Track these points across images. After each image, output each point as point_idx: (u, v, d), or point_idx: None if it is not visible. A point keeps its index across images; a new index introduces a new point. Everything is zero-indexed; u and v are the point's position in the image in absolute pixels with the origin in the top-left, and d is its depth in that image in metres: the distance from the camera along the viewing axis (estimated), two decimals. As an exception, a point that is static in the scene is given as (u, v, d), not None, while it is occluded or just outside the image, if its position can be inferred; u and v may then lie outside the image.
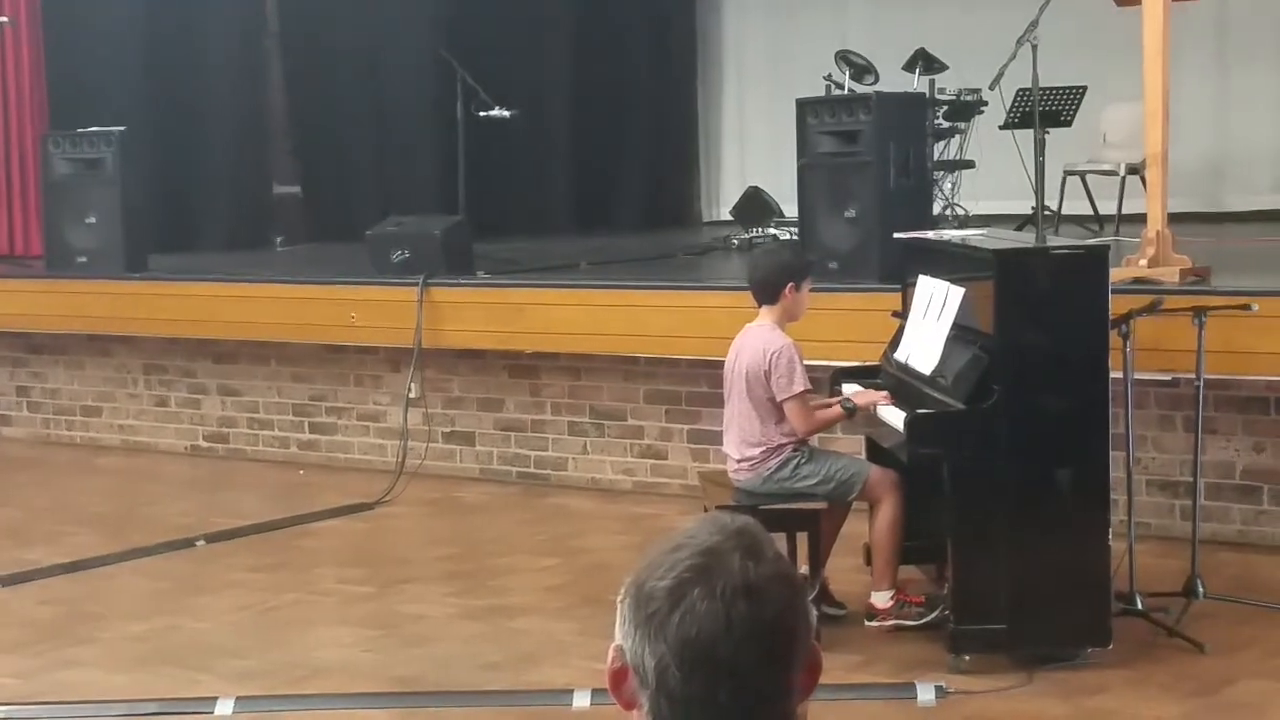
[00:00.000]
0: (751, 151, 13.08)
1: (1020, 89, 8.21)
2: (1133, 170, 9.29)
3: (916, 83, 10.14)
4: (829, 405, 6.19)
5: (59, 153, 10.71)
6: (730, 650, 1.67)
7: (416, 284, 9.01)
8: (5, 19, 11.72)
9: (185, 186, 12.11)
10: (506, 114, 10.21)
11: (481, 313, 8.97)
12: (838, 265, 7.94)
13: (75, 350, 10.69)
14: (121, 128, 10.57)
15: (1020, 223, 9.07)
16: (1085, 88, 9.81)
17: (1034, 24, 6.97)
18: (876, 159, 8.27)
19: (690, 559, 1.71)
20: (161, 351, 10.34)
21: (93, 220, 10.46)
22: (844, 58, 10.53)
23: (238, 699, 5.52)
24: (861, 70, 10.43)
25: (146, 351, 10.40)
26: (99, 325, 10.37)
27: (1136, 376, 6.12)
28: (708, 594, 1.68)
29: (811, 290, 6.24)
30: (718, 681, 1.67)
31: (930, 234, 7.31)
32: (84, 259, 10.46)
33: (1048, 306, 5.61)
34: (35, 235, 11.61)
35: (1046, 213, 7.94)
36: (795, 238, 8.97)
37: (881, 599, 6.05)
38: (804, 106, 8.73)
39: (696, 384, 8.20)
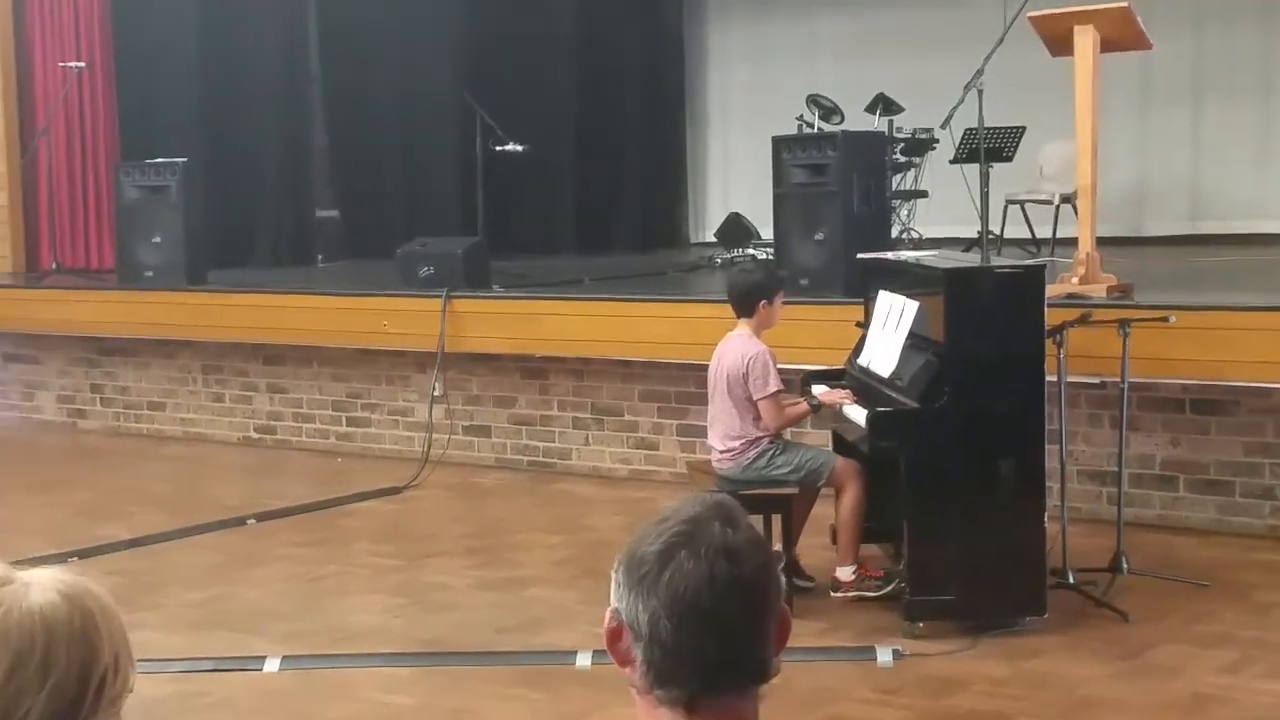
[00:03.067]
0: (733, 181, 13.06)
1: (968, 128, 8.20)
2: (1066, 199, 9.30)
3: (877, 123, 10.15)
4: (799, 403, 6.21)
5: (129, 180, 10.71)
6: (713, 603, 1.69)
7: (440, 296, 9.01)
8: (82, 64, 11.77)
9: (239, 210, 12.08)
10: (519, 148, 10.20)
11: (497, 321, 8.97)
12: (808, 281, 7.95)
13: (142, 353, 10.68)
14: (184, 159, 10.58)
15: (967, 245, 9.07)
16: (1024, 127, 9.81)
17: (980, 71, 6.98)
18: (842, 189, 8.29)
19: (676, 527, 1.73)
20: (218, 354, 10.34)
21: (158, 239, 10.46)
22: (814, 101, 10.54)
23: (283, 658, 5.53)
24: (829, 112, 10.44)
25: (205, 354, 10.40)
26: (163, 331, 10.37)
27: (1069, 380, 6.11)
28: (693, 555, 1.70)
29: (784, 303, 6.24)
30: (703, 630, 1.69)
31: (889, 254, 7.32)
32: (150, 273, 10.47)
33: (991, 318, 5.60)
34: (108, 252, 11.62)
35: (990, 237, 7.92)
36: (771, 257, 8.97)
37: (845, 573, 6.05)
38: (779, 143, 8.76)
39: (684, 384, 8.19)
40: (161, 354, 10.59)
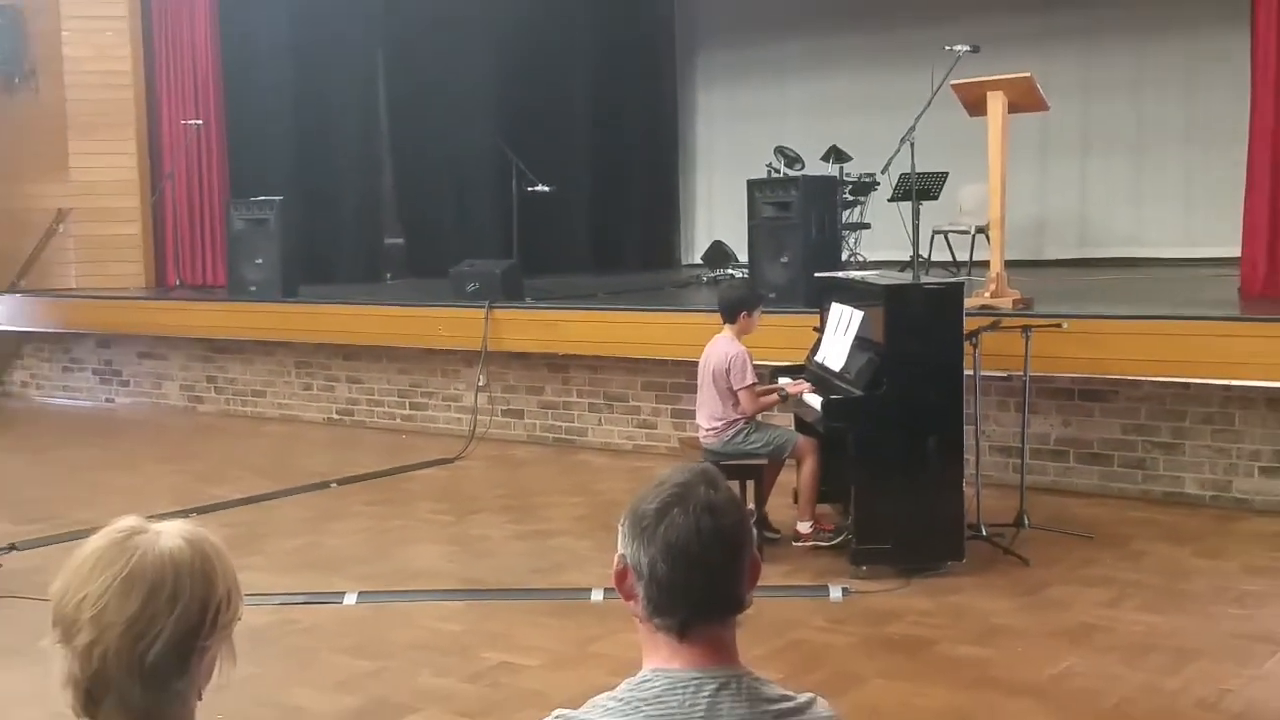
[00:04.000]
0: (716, 215, 13.08)
1: (902, 173, 8.22)
2: (980, 230, 9.31)
3: (830, 169, 10.15)
4: (769, 392, 6.22)
5: (237, 214, 10.74)
6: (699, 549, 1.69)
7: (484, 307, 9.04)
8: (200, 121, 11.80)
9: (323, 238, 12.09)
10: (546, 189, 10.21)
11: (528, 327, 8.98)
12: (775, 295, 7.95)
13: (247, 351, 10.70)
14: (280, 197, 10.61)
15: (902, 266, 9.07)
16: (948, 173, 9.83)
17: (912, 128, 7.00)
18: (802, 222, 8.33)
19: (670, 489, 1.73)
20: (307, 352, 10.36)
21: (260, 261, 10.49)
22: (780, 151, 10.54)
23: (359, 593, 5.57)
24: (792, 160, 10.45)
25: (297, 352, 10.41)
26: (264, 334, 10.39)
27: (982, 374, 6.13)
28: (683, 511, 1.70)
29: (760, 314, 6.23)
30: (691, 571, 1.70)
31: (840, 274, 7.34)
32: (254, 287, 10.50)
33: (921, 324, 5.61)
34: (220, 271, 11.62)
35: (920, 260, 7.93)
36: (747, 275, 8.98)
37: (804, 527, 6.09)
38: (752, 185, 8.81)
39: (678, 377, 8.21)
40: (262, 352, 10.61)
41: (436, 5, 12.49)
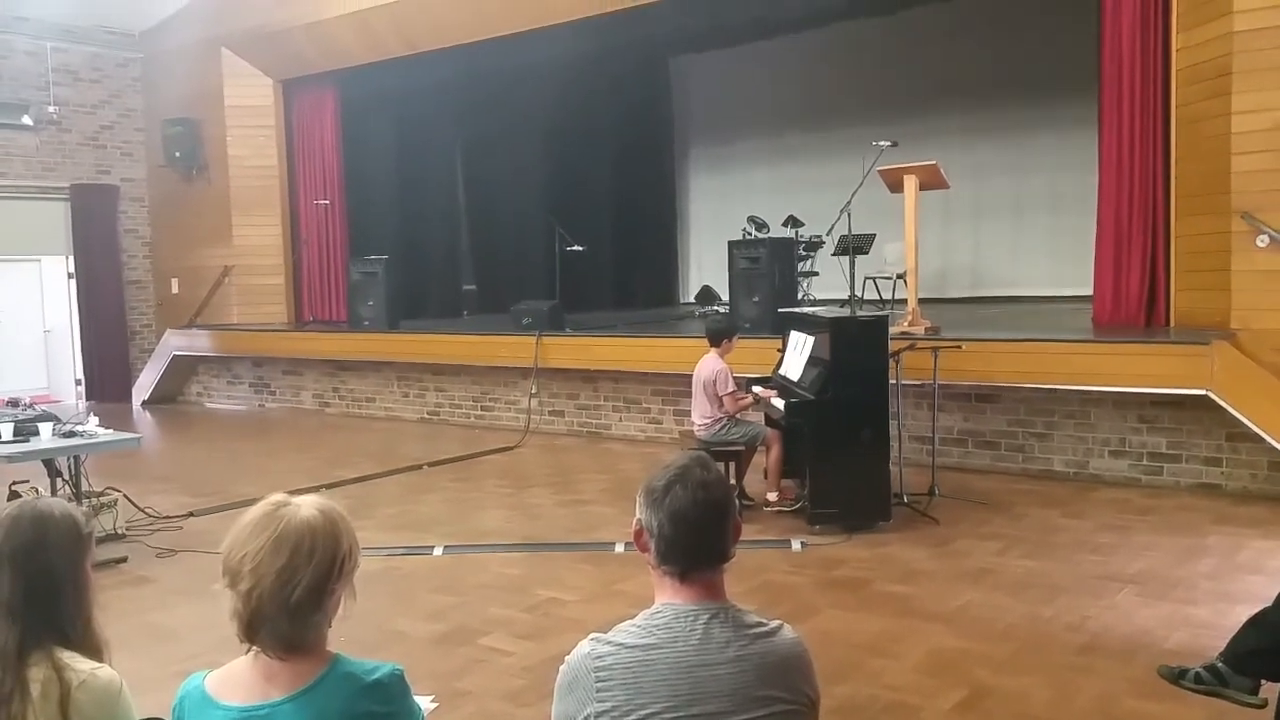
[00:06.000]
0: (705, 265, 13.04)
1: (842, 235, 8.21)
2: (900, 276, 9.30)
3: (788, 232, 10.14)
4: (745, 397, 6.19)
5: (355, 268, 10.76)
6: (696, 515, 1.70)
7: (535, 335, 9.04)
8: (327, 200, 11.83)
9: (418, 285, 12.09)
10: (580, 248, 10.24)
11: (568, 350, 8.97)
12: (750, 325, 7.97)
13: (362, 369, 10.73)
14: (386, 255, 10.64)
15: (842, 303, 9.06)
16: (875, 234, 9.81)
17: (849, 202, 6.99)
18: (768, 271, 8.32)
19: (674, 470, 1.74)
20: (405, 368, 10.37)
21: (371, 302, 10.50)
22: (751, 219, 10.54)
23: (445, 547, 5.57)
24: (760, 225, 10.44)
25: (398, 369, 10.43)
26: (374, 355, 10.40)
27: (903, 382, 6.13)
28: (683, 487, 1.71)
29: (738, 339, 6.26)
30: (689, 532, 1.70)
31: (796, 309, 7.32)
32: (367, 322, 10.50)
33: (857, 346, 5.59)
34: (343, 309, 11.64)
35: (856, 299, 7.90)
36: (728, 311, 8.97)
37: (772, 496, 6.06)
38: (732, 244, 8.78)
39: (677, 385, 8.21)
40: (373, 369, 10.63)
41: (499, 113, 12.53)
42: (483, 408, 9.82)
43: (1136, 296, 7.06)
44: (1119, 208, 7.13)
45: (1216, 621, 4.07)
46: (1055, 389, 6.63)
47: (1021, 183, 10.93)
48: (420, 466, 7.90)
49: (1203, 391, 5.93)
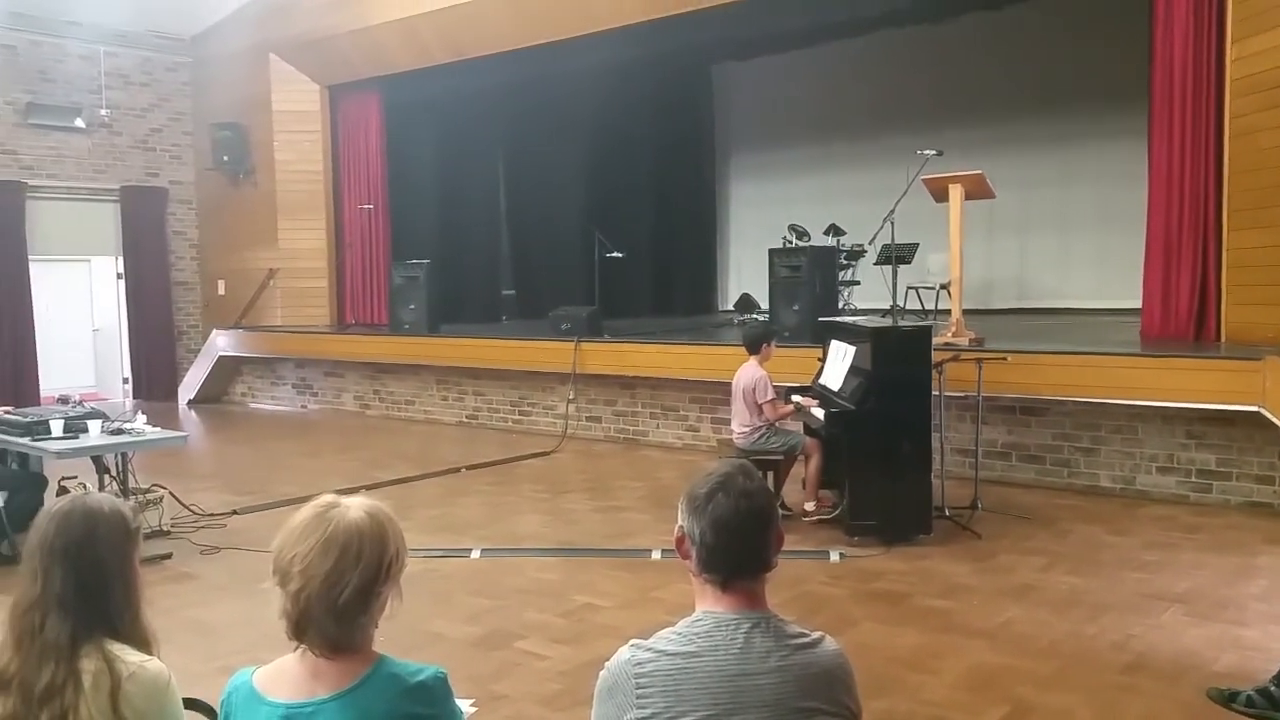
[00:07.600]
0: (745, 274, 13.00)
1: (884, 244, 8.16)
2: (943, 286, 9.12)
3: (830, 241, 10.07)
4: (786, 406, 6.17)
5: (397, 272, 10.86)
6: (738, 524, 1.69)
7: (574, 340, 9.06)
8: (370, 205, 11.98)
9: (458, 289, 12.17)
10: (619, 254, 10.25)
11: (606, 356, 8.98)
12: (789, 334, 7.91)
13: (402, 372, 10.80)
14: (427, 260, 10.71)
15: (884, 313, 8.99)
16: (919, 243, 9.70)
17: (892, 211, 6.97)
18: (809, 280, 8.26)
19: (716, 478, 1.73)
20: (445, 372, 10.43)
21: (412, 306, 10.59)
22: (792, 227, 10.48)
23: (482, 549, 5.58)
24: (801, 234, 10.38)
25: (437, 372, 10.49)
26: (414, 359, 10.47)
27: (945, 394, 6.06)
28: (726, 495, 1.69)
29: (776, 347, 6.23)
30: (731, 540, 1.69)
31: (837, 319, 7.28)
32: (408, 325, 10.59)
33: (900, 357, 5.54)
34: (384, 313, 11.75)
35: (898, 309, 7.85)
36: (768, 319, 8.94)
37: (810, 506, 6.03)
38: (772, 253, 8.73)
39: (716, 393, 8.18)
40: (412, 372, 10.70)
41: (541, 119, 12.63)
42: (520, 412, 9.85)
43: (1186, 310, 6.94)
44: (1169, 220, 7.01)
45: (1268, 644, 3.98)
46: (1102, 403, 6.52)
47: (1069, 194, 10.79)
48: (459, 469, 7.92)
49: (1255, 408, 5.81)
